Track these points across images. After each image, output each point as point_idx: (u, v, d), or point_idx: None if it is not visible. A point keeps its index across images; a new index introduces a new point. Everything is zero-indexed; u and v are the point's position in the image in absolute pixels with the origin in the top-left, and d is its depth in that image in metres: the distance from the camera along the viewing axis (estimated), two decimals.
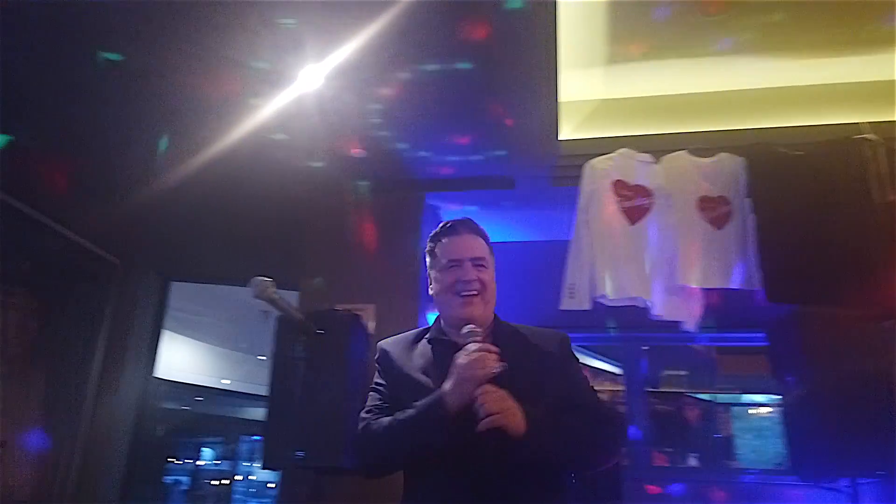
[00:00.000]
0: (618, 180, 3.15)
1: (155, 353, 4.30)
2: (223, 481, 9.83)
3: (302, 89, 2.88)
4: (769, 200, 2.90)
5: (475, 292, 1.64)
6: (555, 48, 2.78)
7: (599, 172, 3.17)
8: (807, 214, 2.90)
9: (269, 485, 9.75)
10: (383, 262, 3.67)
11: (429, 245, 1.77)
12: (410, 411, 1.49)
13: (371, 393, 1.67)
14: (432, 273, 1.74)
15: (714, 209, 3.08)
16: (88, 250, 3.85)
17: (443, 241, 1.72)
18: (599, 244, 3.04)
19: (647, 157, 3.21)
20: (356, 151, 3.44)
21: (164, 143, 3.34)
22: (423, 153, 3.45)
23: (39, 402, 3.46)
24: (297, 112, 3.04)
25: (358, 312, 3.22)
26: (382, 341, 1.75)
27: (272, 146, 3.34)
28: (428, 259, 1.77)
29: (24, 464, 3.35)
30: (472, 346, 1.50)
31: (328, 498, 2.71)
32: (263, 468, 2.73)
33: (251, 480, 10.17)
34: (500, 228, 4.28)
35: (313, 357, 2.56)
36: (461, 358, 1.49)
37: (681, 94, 3.38)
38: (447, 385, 1.48)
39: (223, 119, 3.10)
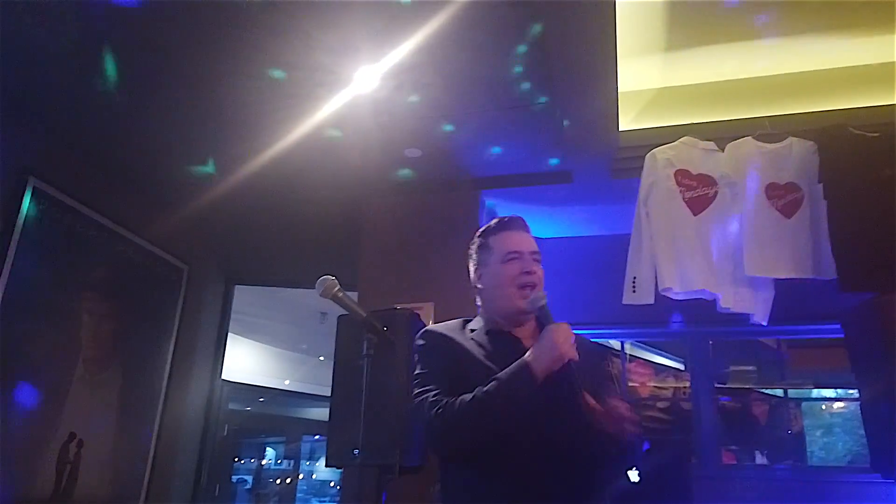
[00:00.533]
0: (680, 169, 3.07)
1: (222, 354, 4.43)
2: (286, 480, 10.02)
3: (357, 91, 2.90)
4: (842, 185, 2.77)
5: (535, 284, 1.64)
6: (614, 37, 2.72)
7: (661, 162, 3.09)
8: (882, 199, 2.76)
9: (330, 483, 9.91)
10: (441, 261, 3.67)
11: (478, 240, 1.78)
12: (494, 383, 1.45)
13: (425, 377, 1.59)
14: (483, 267, 1.73)
15: (783, 196, 2.96)
16: (158, 256, 3.99)
17: (499, 234, 1.73)
18: (661, 236, 2.96)
19: (710, 144, 3.12)
20: (412, 151, 3.45)
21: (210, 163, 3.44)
22: (478, 151, 3.44)
23: (115, 403, 3.60)
24: (353, 113, 3.07)
25: (417, 311, 3.22)
26: (433, 327, 1.73)
27: (329, 148, 3.38)
28: (477, 254, 1.76)
29: (100, 464, 3.48)
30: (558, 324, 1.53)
31: (390, 496, 2.72)
32: (326, 466, 2.77)
33: (313, 479, 10.35)
34: (559, 224, 4.23)
35: (376, 356, 2.56)
36: (549, 334, 1.50)
37: (744, 79, 3.27)
38: (529, 356, 1.47)
39: (280, 123, 3.15)
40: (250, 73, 2.81)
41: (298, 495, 10.05)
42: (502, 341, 1.62)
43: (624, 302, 2.97)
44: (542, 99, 2.98)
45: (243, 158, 3.45)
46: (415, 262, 3.69)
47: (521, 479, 1.45)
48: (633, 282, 2.98)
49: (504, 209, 4.02)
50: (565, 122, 3.12)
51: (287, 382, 8.03)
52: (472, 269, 1.77)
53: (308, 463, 10.50)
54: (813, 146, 2.96)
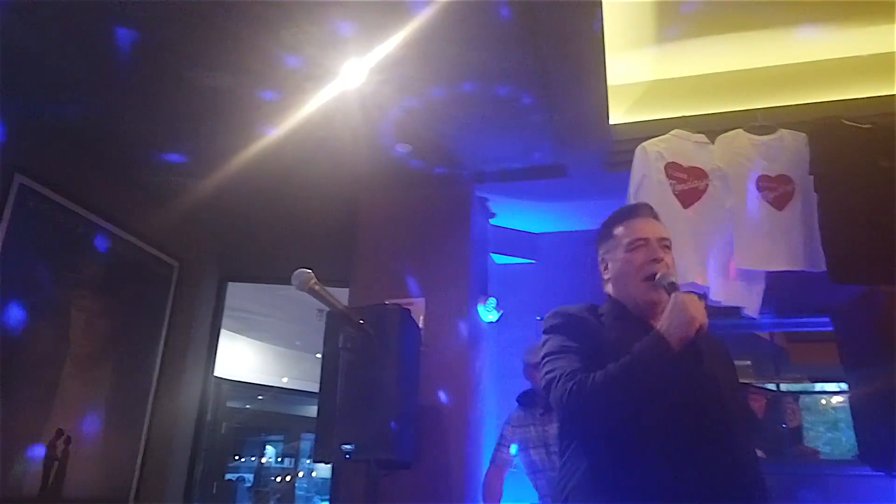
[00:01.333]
0: (671, 162, 3.04)
1: (214, 352, 4.42)
2: (286, 478, 10.02)
3: (345, 85, 2.88)
4: (834, 177, 2.75)
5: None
6: (602, 31, 2.71)
7: (652, 155, 3.06)
8: (874, 190, 2.74)
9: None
10: (433, 256, 3.66)
11: (603, 230, 1.74)
12: (627, 357, 1.42)
13: (558, 355, 1.54)
14: (609, 255, 1.69)
15: (775, 189, 2.94)
16: (148, 252, 3.99)
17: (624, 222, 1.68)
18: None
19: (701, 137, 3.10)
20: (403, 146, 3.43)
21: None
22: (470, 145, 3.42)
23: (105, 401, 3.59)
24: (342, 108, 3.06)
25: (407, 307, 3.21)
26: (566, 307, 1.66)
27: (320, 143, 3.37)
28: (603, 244, 1.72)
29: (91, 460, 3.48)
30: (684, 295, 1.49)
31: (382, 491, 2.71)
32: (314, 461, 2.76)
33: (313, 477, 10.35)
34: (554, 219, 4.22)
35: (362, 350, 2.56)
36: (677, 298, 1.45)
37: (736, 70, 3.25)
38: (661, 326, 1.44)
39: (269, 116, 3.14)
40: (238, 66, 2.80)
41: (300, 493, 10.04)
42: (635, 326, 1.56)
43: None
44: (533, 93, 2.96)
45: (233, 153, 3.43)
46: (407, 257, 3.68)
47: (661, 453, 1.41)
48: None
49: (497, 204, 4.01)
50: (556, 117, 3.10)
51: (285, 380, 8.02)
52: (599, 258, 1.73)
53: (309, 461, 10.49)
54: (804, 138, 2.94)
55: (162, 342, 4.02)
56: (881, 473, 2.41)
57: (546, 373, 1.53)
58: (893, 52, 3.06)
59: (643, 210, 1.71)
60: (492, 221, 4.18)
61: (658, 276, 1.53)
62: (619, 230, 1.66)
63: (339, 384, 2.56)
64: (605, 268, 1.70)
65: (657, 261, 1.57)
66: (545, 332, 1.63)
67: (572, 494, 1.47)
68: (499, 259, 4.35)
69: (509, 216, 4.18)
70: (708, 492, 1.37)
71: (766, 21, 3.00)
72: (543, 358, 1.57)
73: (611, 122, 3.26)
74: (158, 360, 3.99)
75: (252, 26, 2.55)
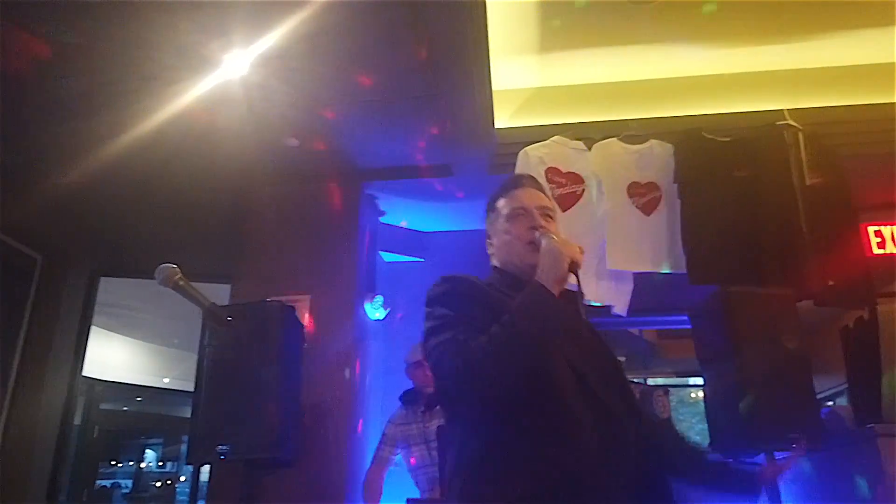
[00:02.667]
0: (551, 167, 3.19)
1: (83, 350, 4.15)
2: (167, 482, 9.56)
3: (227, 75, 2.80)
4: (694, 185, 2.98)
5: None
6: (486, 37, 2.78)
7: (533, 160, 3.19)
8: (729, 198, 2.99)
9: None
10: (320, 253, 3.62)
11: (488, 205, 1.69)
12: (507, 315, 1.31)
13: (444, 323, 1.39)
14: (492, 228, 1.64)
15: (644, 195, 3.14)
16: (6, 244, 3.68)
17: (505, 195, 1.64)
18: None
19: (579, 144, 3.26)
20: (291, 141, 3.37)
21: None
22: (358, 142, 3.41)
23: None
24: (226, 99, 2.96)
25: (292, 304, 3.16)
26: (450, 274, 1.54)
27: (202, 135, 3.24)
28: (488, 219, 1.67)
29: None
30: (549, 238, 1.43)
31: (261, 491, 2.66)
32: (187, 463, 2.66)
33: (197, 482, 9.93)
34: (441, 218, 4.28)
35: (239, 348, 2.49)
36: (547, 240, 1.41)
37: (613, 82, 3.43)
38: (538, 273, 1.37)
39: (144, 104, 2.98)
40: (109, 50, 2.65)
41: (183, 498, 9.60)
42: (523, 287, 1.42)
43: None
44: (419, 93, 2.99)
45: (104, 142, 3.23)
46: (293, 254, 3.61)
47: (557, 413, 1.32)
48: None
49: (386, 201, 4.02)
50: (443, 118, 3.16)
51: (167, 380, 7.64)
52: (487, 231, 1.67)
53: (200, 466, 10.05)
54: (671, 148, 3.16)
55: (21, 340, 3.72)
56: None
57: (431, 350, 1.39)
58: (750, 73, 3.36)
59: (524, 180, 1.68)
60: (381, 220, 4.18)
61: (537, 235, 1.48)
62: (500, 202, 1.63)
63: (210, 383, 2.48)
64: (490, 242, 1.65)
65: (536, 228, 1.52)
66: (428, 303, 1.48)
67: (465, 477, 1.35)
68: (387, 257, 4.37)
69: (399, 214, 4.21)
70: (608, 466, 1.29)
71: (641, 36, 3.20)
72: (427, 336, 1.41)
73: (496, 126, 3.36)
74: (16, 360, 3.69)
75: (130, 13, 2.43)
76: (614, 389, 1.41)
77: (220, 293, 3.69)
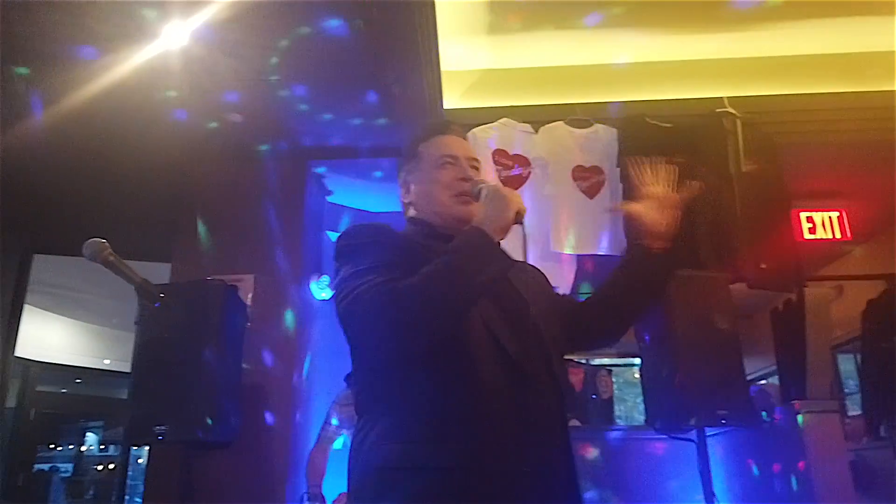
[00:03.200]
0: (498, 149, 3.20)
1: (15, 331, 4.00)
2: (109, 466, 9.36)
3: (167, 46, 2.70)
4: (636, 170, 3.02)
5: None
6: (434, 16, 2.76)
7: (481, 142, 3.20)
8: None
9: None
10: (265, 232, 3.56)
11: (406, 149, 1.53)
12: (445, 256, 1.22)
13: (361, 269, 1.25)
14: (412, 176, 1.49)
15: (588, 178, 3.19)
16: None
17: (429, 140, 1.50)
18: None
19: (527, 127, 3.28)
20: (234, 116, 3.29)
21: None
22: (305, 120, 3.35)
23: None
24: (166, 71, 2.86)
25: (235, 283, 3.11)
26: (359, 223, 1.42)
27: (142, 108, 3.13)
28: (406, 164, 1.52)
29: None
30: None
31: (202, 471, 2.63)
32: (126, 445, 2.61)
33: (140, 464, 9.75)
34: (389, 199, 4.24)
35: (177, 327, 2.44)
36: (489, 188, 1.33)
37: (561, 66, 3.46)
38: (479, 217, 1.29)
39: (78, 73, 2.86)
40: (38, 18, 2.52)
41: (126, 482, 9.41)
42: (445, 242, 1.30)
43: None
44: (366, 71, 2.95)
45: (34, 114, 3.09)
46: (236, 232, 3.54)
47: (469, 371, 1.22)
48: None
49: (333, 181, 3.98)
50: (391, 97, 3.12)
51: (107, 362, 7.45)
52: (400, 181, 1.53)
53: (136, 447, 9.86)
54: (615, 133, 3.21)
55: None
56: (664, 436, 2.71)
57: (344, 295, 1.24)
58: (693, 60, 3.43)
59: (452, 127, 1.54)
60: (329, 199, 4.13)
61: (476, 187, 1.38)
62: (424, 147, 1.49)
63: (146, 362, 2.43)
64: (407, 190, 1.50)
65: (466, 179, 1.41)
66: (337, 257, 1.34)
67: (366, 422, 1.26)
68: (335, 237, 4.32)
69: (347, 194, 4.16)
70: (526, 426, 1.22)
71: (588, 22, 3.22)
72: (344, 280, 1.26)
73: (445, 106, 3.35)
74: None
75: None
76: (539, 357, 1.31)
77: (161, 272, 3.60)
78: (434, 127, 1.55)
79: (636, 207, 1.50)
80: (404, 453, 1.18)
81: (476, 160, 1.50)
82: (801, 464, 2.54)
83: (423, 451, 1.18)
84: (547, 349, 1.33)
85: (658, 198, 1.48)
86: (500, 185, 1.40)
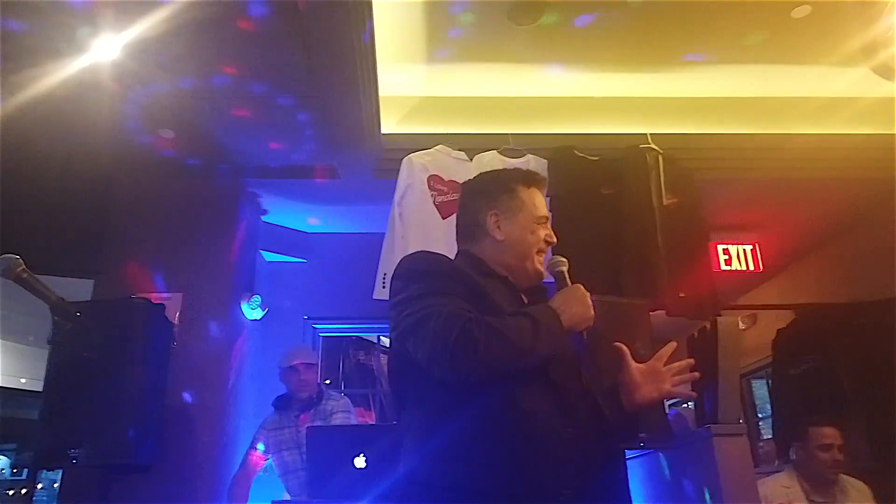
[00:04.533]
0: (434, 175, 3.27)
1: None
2: (22, 490, 8.87)
3: (97, 58, 2.66)
4: (564, 199, 3.14)
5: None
6: (372, 41, 2.81)
7: (417, 167, 3.27)
8: (597, 213, 3.20)
9: None
10: (195, 250, 3.50)
11: (504, 185, 1.61)
12: (523, 316, 1.35)
13: (435, 296, 1.35)
14: (507, 217, 1.56)
15: None
16: None
17: (531, 189, 1.61)
18: (412, 236, 3.14)
19: (461, 154, 3.38)
20: (167, 132, 3.24)
21: None
22: (240, 138, 3.33)
23: None
24: (96, 84, 2.81)
25: (163, 301, 3.05)
26: (426, 252, 1.54)
27: (69, 120, 3.06)
28: (505, 197, 1.58)
29: None
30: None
31: (119, 495, 2.54)
32: (37, 468, 2.51)
33: (56, 489, 9.26)
34: (326, 219, 4.25)
35: (97, 346, 2.38)
36: (582, 291, 1.46)
37: (495, 97, 3.58)
38: (555, 304, 1.40)
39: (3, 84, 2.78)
40: None
41: None
42: (512, 293, 1.50)
43: (374, 297, 3.07)
44: (300, 93, 2.97)
45: None
46: (165, 249, 3.47)
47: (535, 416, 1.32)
48: (384, 279, 3.11)
49: (269, 201, 3.95)
50: (326, 120, 3.15)
51: (23, 381, 7.09)
52: (487, 210, 1.57)
53: (52, 471, 9.36)
54: (546, 163, 3.32)
55: None
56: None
57: (409, 314, 1.33)
58: (620, 97, 3.60)
59: (544, 183, 1.67)
60: (263, 218, 4.10)
61: (552, 261, 1.53)
62: (526, 195, 1.59)
63: (60, 382, 2.35)
64: (496, 225, 1.56)
65: (549, 242, 1.60)
66: (399, 276, 1.44)
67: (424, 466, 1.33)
68: (269, 256, 4.29)
69: (282, 214, 4.14)
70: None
71: (522, 56, 3.34)
72: (403, 303, 1.37)
73: (383, 131, 3.40)
74: None
75: None
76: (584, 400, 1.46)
77: (84, 289, 3.49)
78: (534, 178, 1.65)
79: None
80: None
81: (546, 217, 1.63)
82: (713, 486, 2.65)
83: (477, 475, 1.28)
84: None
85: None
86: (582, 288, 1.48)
